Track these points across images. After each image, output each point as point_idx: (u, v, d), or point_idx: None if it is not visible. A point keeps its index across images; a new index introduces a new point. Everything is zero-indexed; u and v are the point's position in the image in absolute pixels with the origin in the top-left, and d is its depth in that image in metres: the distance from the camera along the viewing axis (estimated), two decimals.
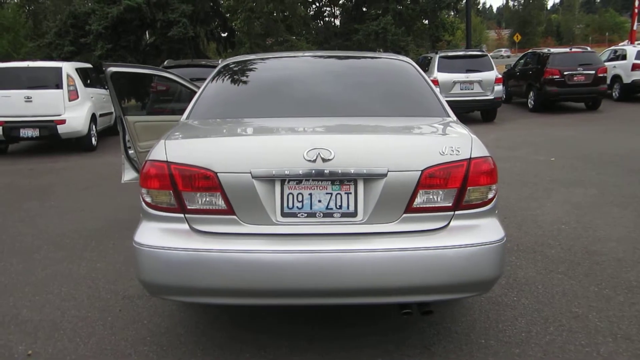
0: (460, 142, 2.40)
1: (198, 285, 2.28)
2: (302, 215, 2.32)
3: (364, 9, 21.93)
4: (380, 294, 2.30)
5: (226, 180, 2.28)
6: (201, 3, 17.52)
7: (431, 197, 2.33)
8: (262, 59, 3.68)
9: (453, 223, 2.36)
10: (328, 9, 23.58)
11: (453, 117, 2.91)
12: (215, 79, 3.30)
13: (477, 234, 2.35)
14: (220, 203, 2.31)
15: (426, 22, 21.87)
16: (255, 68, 3.52)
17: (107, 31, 15.30)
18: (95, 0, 16.30)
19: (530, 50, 16.43)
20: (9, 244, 4.45)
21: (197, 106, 3.05)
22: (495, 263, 2.35)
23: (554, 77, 12.71)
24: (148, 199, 2.40)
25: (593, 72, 12.71)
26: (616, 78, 14.81)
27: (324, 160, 2.26)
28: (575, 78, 12.72)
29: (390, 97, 3.13)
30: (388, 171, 2.29)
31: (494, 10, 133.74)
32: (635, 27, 24.89)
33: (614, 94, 14.92)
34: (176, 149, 2.38)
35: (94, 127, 9.70)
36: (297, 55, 4.06)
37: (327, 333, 2.79)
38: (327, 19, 23.37)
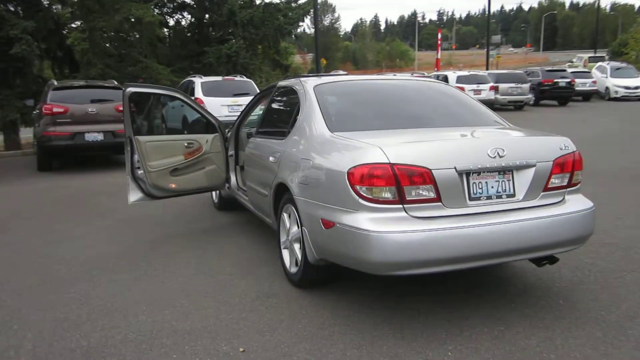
0: (566, 140, 3.38)
1: (424, 258, 2.85)
2: (483, 198, 3.05)
3: (212, 32, 22.30)
4: (537, 250, 3.11)
5: (438, 175, 2.92)
6: (43, 20, 16.24)
7: (557, 179, 3.25)
8: (344, 81, 4.28)
9: (567, 197, 3.33)
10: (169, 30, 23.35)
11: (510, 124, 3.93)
12: (318, 99, 3.78)
13: (580, 204, 3.32)
14: (432, 193, 2.93)
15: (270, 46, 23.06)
16: (351, 89, 4.11)
17: None
18: None
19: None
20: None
21: (330, 122, 3.53)
22: (591, 223, 3.35)
23: None
24: (367, 195, 2.89)
25: None
26: None
27: (500, 156, 3.05)
28: None
29: (465, 109, 4.02)
30: (537, 162, 3.17)
31: (293, 35, 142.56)
32: (439, 56, 29.34)
33: None
34: (397, 153, 2.92)
35: None
36: (372, 79, 4.71)
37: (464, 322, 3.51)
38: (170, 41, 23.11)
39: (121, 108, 9.58)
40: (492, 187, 3.07)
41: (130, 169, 5.00)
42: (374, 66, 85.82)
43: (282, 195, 3.87)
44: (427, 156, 2.94)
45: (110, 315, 3.35)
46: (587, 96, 23.84)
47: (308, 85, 4.00)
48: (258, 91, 13.32)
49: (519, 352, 2.79)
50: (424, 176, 2.88)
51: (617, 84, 24.42)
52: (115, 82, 10.29)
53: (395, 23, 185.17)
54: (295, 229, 3.67)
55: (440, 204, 2.93)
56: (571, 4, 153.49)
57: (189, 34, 23.23)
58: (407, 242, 2.80)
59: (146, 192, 5.07)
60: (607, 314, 3.21)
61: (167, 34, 24.13)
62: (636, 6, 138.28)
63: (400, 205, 2.88)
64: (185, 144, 5.19)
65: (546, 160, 3.18)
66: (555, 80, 22.03)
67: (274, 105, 4.66)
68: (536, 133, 3.71)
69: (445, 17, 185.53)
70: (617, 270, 3.90)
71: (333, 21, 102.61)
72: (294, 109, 4.04)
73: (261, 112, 4.88)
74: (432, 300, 3.44)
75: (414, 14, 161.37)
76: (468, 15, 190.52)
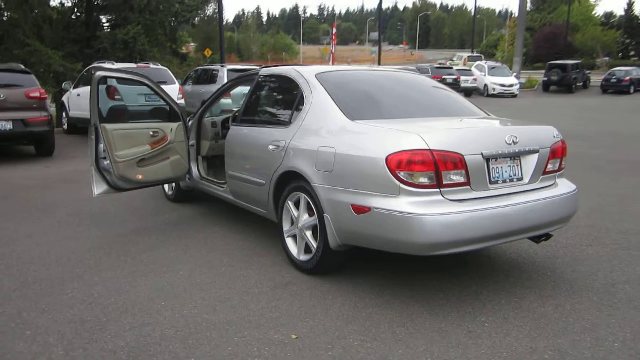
0: (554, 129, 3.76)
1: (461, 238, 3.04)
2: (500, 181, 3.31)
3: (102, 17, 20.86)
4: (542, 227, 3.43)
5: (469, 160, 3.12)
6: None
7: (551, 164, 3.63)
8: (342, 71, 4.33)
9: (557, 180, 3.72)
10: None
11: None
12: (326, 88, 3.83)
13: (567, 186, 3.73)
14: (463, 178, 3.13)
15: (166, 34, 22.12)
16: (351, 79, 4.18)
17: None
18: None
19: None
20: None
21: (346, 110, 3.60)
22: (576, 203, 3.78)
23: None
24: (408, 179, 3.02)
25: None
26: None
27: (514, 143, 3.34)
28: None
29: (453, 100, 4.29)
30: (540, 148, 3.51)
31: (191, 23, 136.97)
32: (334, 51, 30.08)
33: None
34: (435, 139, 3.07)
35: None
36: (364, 69, 4.76)
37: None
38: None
39: (33, 94, 8.84)
40: (506, 172, 3.36)
41: (94, 159, 4.67)
42: (259, 58, 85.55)
43: (285, 183, 3.87)
44: (460, 142, 3.15)
45: (129, 313, 3.16)
46: (469, 92, 25.88)
47: (308, 74, 4.03)
48: (174, 79, 12.81)
49: (542, 318, 3.10)
50: (459, 161, 3.08)
51: (494, 81, 26.81)
52: (22, 66, 9.34)
53: (277, 16, 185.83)
54: (305, 217, 3.71)
55: (469, 187, 3.16)
56: (441, 5, 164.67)
57: (73, 17, 21.54)
58: (447, 223, 2.99)
59: (111, 184, 4.76)
60: (592, 282, 3.66)
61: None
62: (497, 10, 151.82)
63: (438, 189, 3.06)
64: (151, 133, 4.95)
65: (545, 147, 3.54)
66: (444, 76, 23.67)
67: (262, 94, 4.60)
68: (530, 122, 4.07)
69: (326, 12, 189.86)
70: (577, 245, 4.43)
71: (216, 11, 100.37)
72: (292, 97, 4.05)
73: (242, 100, 4.77)
74: (440, 280, 3.67)
75: (296, 8, 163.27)
76: (347, 12, 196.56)
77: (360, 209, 3.20)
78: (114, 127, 4.69)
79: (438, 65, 26.55)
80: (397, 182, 3.04)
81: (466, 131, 3.48)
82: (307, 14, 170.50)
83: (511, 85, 26.41)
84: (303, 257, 3.77)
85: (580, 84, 29.98)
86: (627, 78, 27.73)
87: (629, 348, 2.78)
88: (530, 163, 3.46)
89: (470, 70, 28.55)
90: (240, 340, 2.84)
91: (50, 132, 8.85)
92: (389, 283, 3.60)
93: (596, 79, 32.61)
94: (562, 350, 2.75)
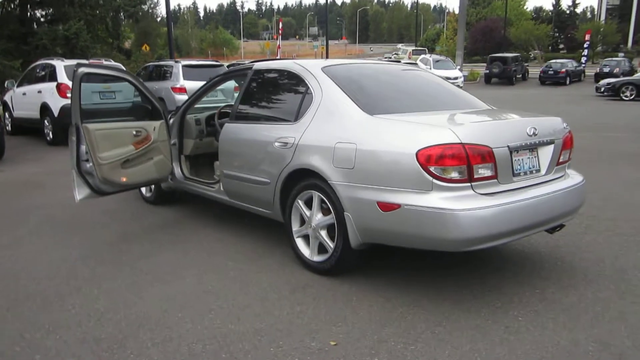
0: (562, 120, 3.78)
1: (495, 232, 2.98)
2: (522, 174, 3.29)
3: (38, 12, 19.70)
4: (560, 218, 3.43)
5: (497, 153, 3.07)
6: None
7: (564, 155, 3.64)
8: (346, 64, 4.17)
9: (568, 171, 3.75)
10: None
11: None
12: (336, 82, 3.68)
13: (577, 177, 3.77)
14: (491, 171, 3.07)
15: (108, 29, 21.19)
16: (358, 72, 4.03)
17: None
18: None
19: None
20: None
21: (362, 105, 3.46)
22: (585, 194, 3.81)
23: None
24: (441, 174, 2.93)
25: None
26: None
27: (535, 134, 3.32)
28: None
29: (458, 94, 4.24)
30: (555, 139, 3.51)
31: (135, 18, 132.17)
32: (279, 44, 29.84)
33: None
34: (466, 133, 2.98)
35: None
36: (366, 63, 4.57)
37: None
38: None
39: None
40: (526, 164, 3.34)
41: (76, 162, 4.33)
42: (199, 54, 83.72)
43: (295, 182, 3.71)
44: (488, 135, 3.09)
45: (146, 328, 2.92)
46: None
47: (314, 68, 3.87)
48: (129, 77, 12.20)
49: (571, 309, 3.11)
50: (488, 155, 3.02)
51: (440, 74, 27.16)
52: None
53: (215, 11, 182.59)
54: (320, 216, 3.56)
55: (496, 180, 3.11)
56: (379, 0, 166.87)
57: (3, 11, 20.26)
58: (481, 217, 2.93)
59: (94, 188, 4.44)
60: (602, 270, 3.72)
61: None
62: (432, 6, 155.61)
63: (469, 184, 2.99)
64: (134, 132, 4.64)
65: (559, 138, 3.55)
66: None
67: (260, 89, 4.39)
68: (539, 114, 4.08)
69: (264, 8, 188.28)
70: (574, 234, 4.50)
71: (152, 6, 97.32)
72: (298, 92, 3.89)
73: (237, 96, 4.53)
74: (459, 275, 3.63)
75: (234, 3, 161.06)
76: (286, 7, 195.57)
77: (388, 207, 3.08)
78: (97, 127, 4.36)
79: (386, 60, 26.81)
80: (429, 178, 2.94)
81: (492, 124, 3.43)
82: (246, 9, 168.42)
83: (456, 78, 26.99)
84: (317, 258, 3.62)
85: (520, 76, 31.15)
86: (564, 70, 29.05)
87: None
88: (546, 154, 3.46)
89: (416, 64, 29.00)
90: (277, 351, 2.66)
91: (1, 133, 8.23)
92: (409, 281, 3.52)
93: (533, 71, 34.02)
94: (602, 341, 2.75)
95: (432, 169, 2.93)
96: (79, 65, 4.20)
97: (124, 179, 4.56)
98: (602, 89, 21.42)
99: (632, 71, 27.80)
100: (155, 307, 3.16)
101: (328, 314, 3.07)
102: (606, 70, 28.11)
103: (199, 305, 3.18)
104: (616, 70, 27.74)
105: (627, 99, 20.42)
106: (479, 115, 3.72)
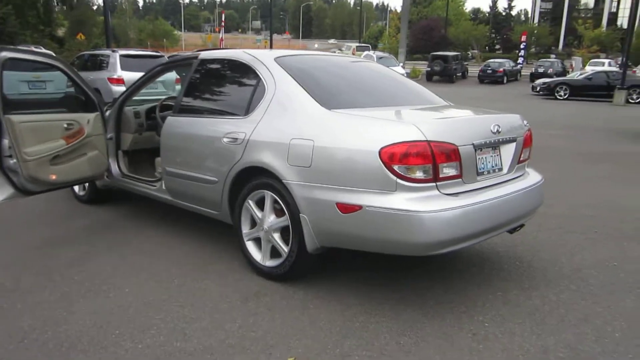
0: (521, 117, 3.68)
1: (461, 234, 2.81)
2: (485, 172, 3.15)
3: None
4: (521, 218, 3.32)
5: (463, 151, 2.90)
6: None
7: (524, 153, 3.54)
8: (300, 55, 3.90)
9: (527, 170, 3.66)
10: None
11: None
12: (291, 74, 3.41)
13: (536, 176, 3.69)
14: (456, 170, 2.90)
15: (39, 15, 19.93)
16: (317, 64, 3.78)
17: None
18: None
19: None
20: None
21: (318, 98, 3.21)
22: (543, 193, 3.75)
23: None
24: (405, 174, 2.73)
25: None
26: None
27: (498, 132, 3.19)
28: None
29: (416, 89, 4.07)
30: (517, 137, 3.40)
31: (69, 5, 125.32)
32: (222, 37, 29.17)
33: None
34: (431, 129, 2.79)
35: None
36: (320, 54, 4.31)
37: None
38: None
39: None
40: (489, 162, 3.20)
41: None
42: (137, 44, 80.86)
43: (245, 181, 3.43)
44: (453, 133, 2.93)
45: (79, 349, 2.56)
46: None
47: (266, 58, 3.59)
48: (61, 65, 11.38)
49: (536, 313, 3.00)
50: (454, 153, 2.86)
51: None
52: None
53: (155, 1, 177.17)
54: (272, 217, 3.31)
55: (461, 180, 2.95)
56: None
57: None
58: (447, 219, 2.76)
59: (19, 187, 3.98)
60: (560, 269, 3.67)
61: None
62: (374, 3, 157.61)
63: (434, 183, 2.82)
64: (65, 125, 4.20)
65: (520, 136, 3.45)
66: None
67: (206, 80, 4.05)
68: (498, 111, 3.97)
69: (206, 0, 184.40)
70: (528, 232, 4.43)
71: None
72: (248, 84, 3.60)
73: (180, 88, 4.18)
74: (419, 278, 3.47)
75: None
76: (228, 0, 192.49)
77: (348, 208, 2.86)
78: (22, 119, 3.90)
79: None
80: (393, 177, 2.74)
81: (457, 120, 3.28)
82: (187, 0, 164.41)
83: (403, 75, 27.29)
84: (270, 263, 3.36)
85: (460, 74, 31.87)
86: (501, 69, 29.96)
87: (630, 338, 2.75)
88: (508, 152, 3.35)
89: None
90: None
91: None
92: (369, 284, 3.33)
93: (472, 70, 34.93)
94: (572, 346, 2.65)
95: (396, 167, 2.73)
96: (1, 49, 3.73)
97: (54, 177, 4.12)
98: (538, 89, 22.23)
99: (564, 72, 29.11)
100: (89, 324, 2.80)
101: (284, 325, 2.82)
102: (541, 70, 29.29)
103: (140, 320, 2.85)
104: (550, 70, 28.94)
105: (561, 98, 21.28)
106: (441, 112, 3.56)
